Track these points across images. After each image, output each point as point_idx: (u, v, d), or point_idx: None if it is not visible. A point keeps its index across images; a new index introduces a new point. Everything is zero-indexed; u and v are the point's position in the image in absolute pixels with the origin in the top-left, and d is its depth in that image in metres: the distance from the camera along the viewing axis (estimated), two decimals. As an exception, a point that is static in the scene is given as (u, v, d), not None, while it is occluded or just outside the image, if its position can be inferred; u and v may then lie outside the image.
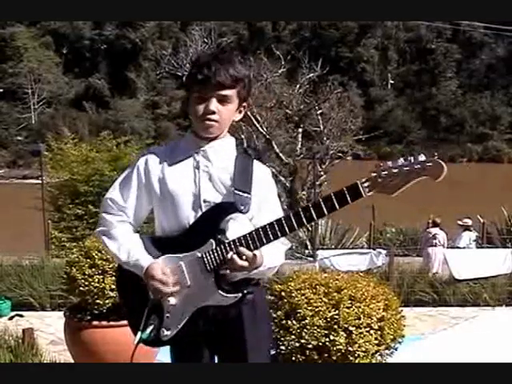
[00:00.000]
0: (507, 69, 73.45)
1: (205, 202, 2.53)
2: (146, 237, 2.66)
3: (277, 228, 2.39)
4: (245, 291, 2.52)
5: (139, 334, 2.58)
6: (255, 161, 2.64)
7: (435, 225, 13.16)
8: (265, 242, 2.41)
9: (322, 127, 23.16)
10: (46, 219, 15.58)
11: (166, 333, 2.57)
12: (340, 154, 24.06)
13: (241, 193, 2.50)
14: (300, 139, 23.34)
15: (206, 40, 23.99)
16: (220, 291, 2.49)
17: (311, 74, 24.32)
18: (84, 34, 75.57)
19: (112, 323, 5.15)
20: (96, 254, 5.15)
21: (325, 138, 22.97)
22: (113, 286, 5.08)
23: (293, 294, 3.95)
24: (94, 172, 15.69)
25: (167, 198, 2.57)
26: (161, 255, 2.57)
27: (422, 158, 2.17)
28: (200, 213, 2.53)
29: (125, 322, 5.32)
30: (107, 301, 5.11)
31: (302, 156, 22.88)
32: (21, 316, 8.52)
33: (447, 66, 76.93)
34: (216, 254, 2.47)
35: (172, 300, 2.54)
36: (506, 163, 64.90)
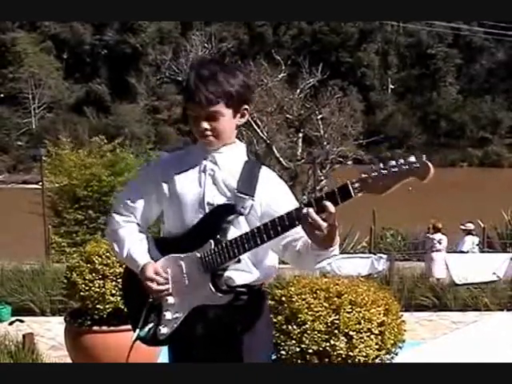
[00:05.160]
0: (507, 73, 73.52)
1: (208, 204, 2.58)
2: (151, 237, 2.74)
3: (270, 228, 2.39)
4: (239, 291, 2.55)
5: (137, 331, 2.64)
6: (263, 166, 2.67)
7: (437, 230, 13.13)
8: (259, 242, 2.43)
9: (322, 132, 23.20)
10: (46, 224, 15.59)
11: (163, 331, 2.62)
12: (340, 159, 24.09)
13: (242, 195, 2.53)
14: (300, 144, 23.39)
15: (206, 45, 24.03)
16: (214, 290, 2.52)
17: (311, 79, 24.38)
18: (84, 38, 75.64)
19: (112, 328, 5.15)
20: (96, 259, 5.16)
21: (325, 143, 23.00)
22: (113, 291, 5.10)
23: (293, 299, 3.95)
24: (92, 177, 15.72)
25: (174, 200, 2.63)
26: (163, 255, 2.64)
27: (411, 159, 2.18)
28: (203, 214, 2.59)
29: (125, 327, 5.33)
30: (107, 306, 5.12)
31: (302, 161, 22.93)
32: (21, 321, 8.51)
33: (447, 70, 76.97)
34: (214, 254, 2.50)
35: (170, 299, 2.60)
36: (506, 168, 64.88)
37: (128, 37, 73.10)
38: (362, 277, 5.50)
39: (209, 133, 2.55)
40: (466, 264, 11.11)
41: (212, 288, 2.51)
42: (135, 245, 2.67)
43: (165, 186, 2.65)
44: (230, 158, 2.63)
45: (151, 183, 2.68)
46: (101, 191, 15.75)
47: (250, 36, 76.07)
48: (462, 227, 14.30)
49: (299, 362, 3.81)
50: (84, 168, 16.11)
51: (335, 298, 3.93)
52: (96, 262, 5.16)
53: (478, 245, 14.55)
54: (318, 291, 3.99)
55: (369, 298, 3.96)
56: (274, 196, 2.60)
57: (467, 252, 13.75)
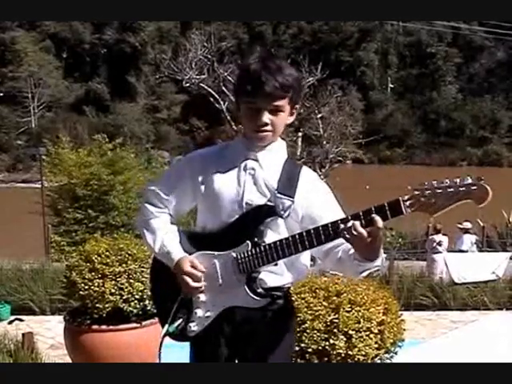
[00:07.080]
0: (507, 73, 73.49)
1: (247, 204, 2.51)
2: (183, 231, 2.68)
3: (313, 237, 2.36)
4: (275, 295, 2.52)
5: (166, 326, 2.59)
6: (304, 167, 2.61)
7: (437, 231, 13.11)
8: (300, 249, 2.40)
9: (321, 131, 23.22)
10: (45, 223, 15.60)
11: (193, 328, 2.58)
12: (340, 158, 24.11)
13: (283, 196, 2.48)
14: (300, 143, 23.39)
15: (205, 44, 23.99)
16: (250, 293, 2.48)
17: (311, 78, 24.32)
18: (84, 38, 75.51)
19: (112, 327, 5.15)
20: (96, 258, 5.15)
21: (325, 142, 23.02)
22: (113, 290, 5.09)
23: (292, 298, 3.94)
24: (91, 176, 15.72)
25: (211, 196, 2.56)
26: (195, 251, 2.58)
27: (468, 180, 2.15)
28: (241, 214, 2.52)
29: (125, 326, 5.34)
30: (107, 305, 5.11)
31: (302, 160, 22.91)
32: (20, 320, 8.50)
33: (447, 70, 76.93)
34: (251, 256, 2.46)
35: (202, 296, 2.55)
36: (505, 167, 64.89)
37: (127, 36, 72.98)
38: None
39: (268, 127, 2.48)
40: (466, 263, 11.11)
41: (248, 291, 2.48)
42: (169, 238, 2.61)
43: (202, 182, 2.57)
44: (272, 157, 2.57)
45: (188, 176, 2.61)
46: (100, 190, 15.76)
47: (249, 35, 75.96)
48: (459, 226, 14.30)
49: (298, 361, 3.81)
50: (84, 167, 16.12)
51: (334, 297, 3.93)
52: (95, 261, 5.15)
53: (475, 243, 14.57)
54: (317, 290, 3.99)
55: (368, 297, 3.97)
56: (315, 199, 2.54)
57: (467, 251, 13.76)
